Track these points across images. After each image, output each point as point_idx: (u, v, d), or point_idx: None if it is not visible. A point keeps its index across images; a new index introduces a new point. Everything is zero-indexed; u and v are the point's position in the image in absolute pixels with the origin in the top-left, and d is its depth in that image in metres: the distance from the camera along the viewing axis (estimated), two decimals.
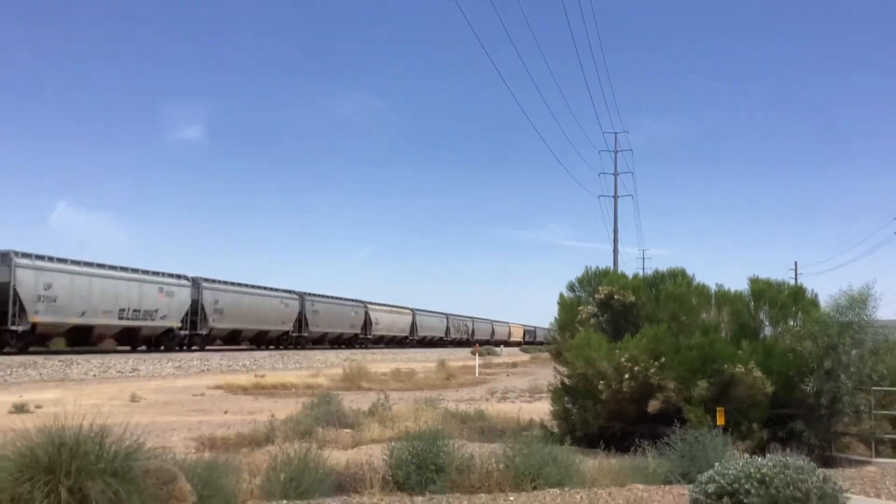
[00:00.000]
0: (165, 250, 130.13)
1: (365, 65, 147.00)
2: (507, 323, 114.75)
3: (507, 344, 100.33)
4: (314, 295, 57.39)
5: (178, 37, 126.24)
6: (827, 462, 10.15)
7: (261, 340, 51.89)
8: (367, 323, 65.55)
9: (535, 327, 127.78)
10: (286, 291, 54.22)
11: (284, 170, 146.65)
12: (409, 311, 76.27)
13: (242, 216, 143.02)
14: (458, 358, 48.80)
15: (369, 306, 66.05)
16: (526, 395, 22.89)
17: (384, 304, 69.98)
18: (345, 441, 11.30)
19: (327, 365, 37.85)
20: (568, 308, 13.42)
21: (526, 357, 63.10)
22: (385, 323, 69.81)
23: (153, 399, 19.37)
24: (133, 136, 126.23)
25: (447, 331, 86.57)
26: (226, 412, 16.71)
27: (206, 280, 44.77)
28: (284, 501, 6.57)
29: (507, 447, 7.97)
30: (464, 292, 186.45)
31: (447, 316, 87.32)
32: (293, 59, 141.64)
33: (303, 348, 53.11)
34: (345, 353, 49.87)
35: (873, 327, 11.11)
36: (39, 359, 27.15)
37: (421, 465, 7.53)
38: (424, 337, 79.90)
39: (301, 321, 55.48)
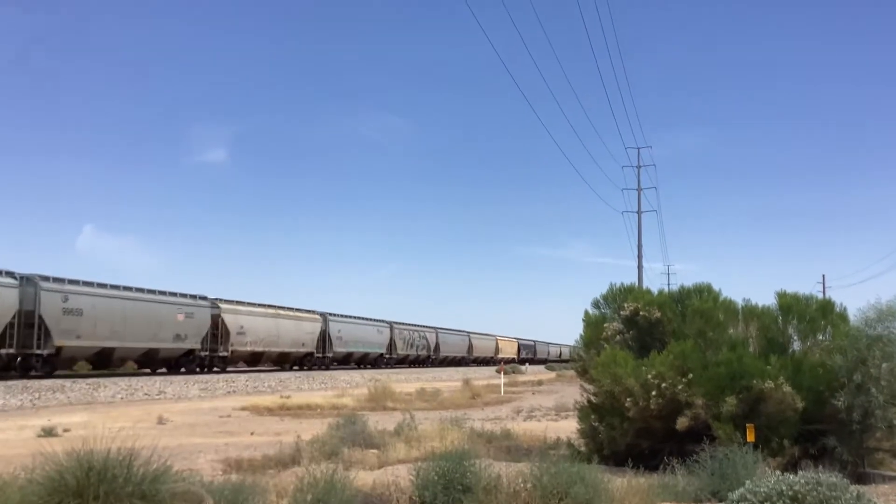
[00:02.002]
0: (189, 272, 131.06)
1: (386, 84, 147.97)
2: (494, 336, 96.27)
3: (492, 361, 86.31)
4: (77, 283, 34.11)
5: (202, 60, 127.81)
6: (860, 478, 9.99)
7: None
8: (219, 333, 42.66)
9: (534, 341, 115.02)
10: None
11: (307, 190, 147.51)
12: (318, 318, 53.49)
13: (266, 236, 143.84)
14: (481, 377, 48.65)
15: (224, 307, 43.62)
16: (552, 414, 22.75)
17: (257, 305, 47.57)
18: (371, 462, 11.27)
19: (352, 385, 37.87)
20: (593, 325, 13.33)
21: (552, 375, 62.87)
22: (260, 332, 45.98)
23: (180, 421, 19.44)
24: (158, 158, 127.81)
25: (391, 346, 65.10)
26: (252, 433, 16.73)
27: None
28: None
29: (535, 466, 7.91)
30: (484, 310, 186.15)
31: (390, 325, 65.36)
32: (315, 80, 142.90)
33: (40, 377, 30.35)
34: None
35: None
36: (67, 382, 27.39)
37: (448, 485, 7.49)
38: (350, 354, 58.25)
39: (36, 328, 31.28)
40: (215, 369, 42.08)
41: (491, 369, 68.08)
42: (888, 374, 10.53)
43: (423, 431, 14.13)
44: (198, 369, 41.01)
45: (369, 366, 61.39)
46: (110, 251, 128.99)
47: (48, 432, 15.17)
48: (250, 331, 44.91)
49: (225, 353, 42.98)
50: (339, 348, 55.28)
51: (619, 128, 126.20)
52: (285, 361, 50.78)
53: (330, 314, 54.86)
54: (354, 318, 58.97)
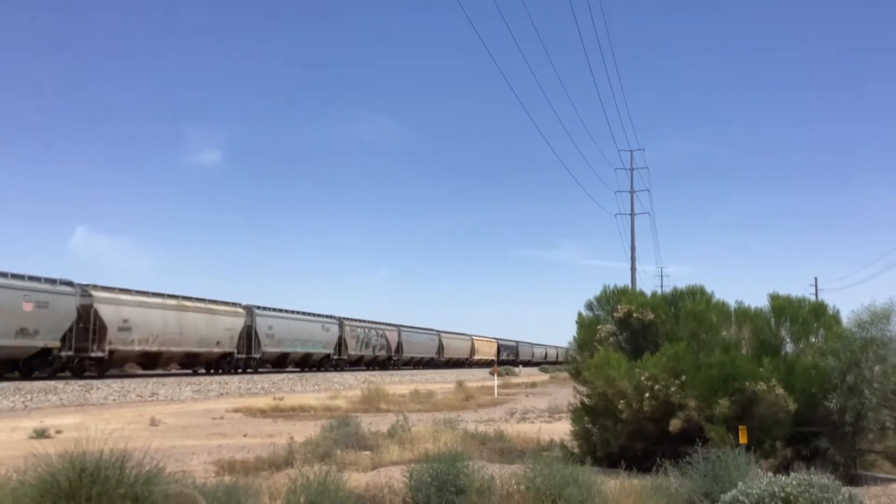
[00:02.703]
0: (184, 274, 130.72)
1: (380, 86, 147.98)
2: (469, 335, 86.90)
3: (467, 363, 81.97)
4: None
5: (196, 61, 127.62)
6: (852, 480, 10.01)
7: None
8: (92, 328, 33.11)
9: (516, 342, 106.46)
10: None
11: (301, 192, 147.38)
12: (241, 311, 44.25)
13: (260, 238, 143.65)
14: (475, 378, 48.63)
15: (99, 295, 33.90)
16: (545, 416, 22.77)
17: (151, 294, 37.75)
18: (364, 463, 11.26)
19: (346, 387, 37.85)
20: (587, 327, 13.34)
21: (545, 377, 62.96)
22: (154, 328, 36.65)
23: (172, 423, 19.40)
24: (152, 160, 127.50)
25: (339, 345, 55.59)
26: (245, 435, 16.70)
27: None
28: None
29: (528, 468, 7.92)
30: (477, 311, 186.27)
31: (340, 321, 55.85)
32: (308, 82, 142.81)
33: None
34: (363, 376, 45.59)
35: None
36: (60, 384, 27.29)
37: (441, 487, 7.49)
38: (286, 354, 48.79)
39: None
40: (88, 374, 33.41)
41: (470, 372, 66.33)
42: (881, 376, 10.56)
43: (417, 433, 14.13)
44: (69, 373, 32.88)
45: (314, 368, 52.10)
46: (104, 252, 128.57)
47: (40, 434, 15.12)
48: (139, 326, 35.39)
49: (100, 354, 33.33)
50: (270, 348, 46.38)
51: (613, 130, 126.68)
52: (195, 363, 42.30)
53: (257, 307, 45.81)
54: (292, 312, 50.04)
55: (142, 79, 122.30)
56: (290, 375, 43.39)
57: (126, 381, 30.54)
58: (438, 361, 75.68)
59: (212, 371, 42.51)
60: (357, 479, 9.01)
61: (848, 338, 10.84)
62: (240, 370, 44.16)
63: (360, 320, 59.61)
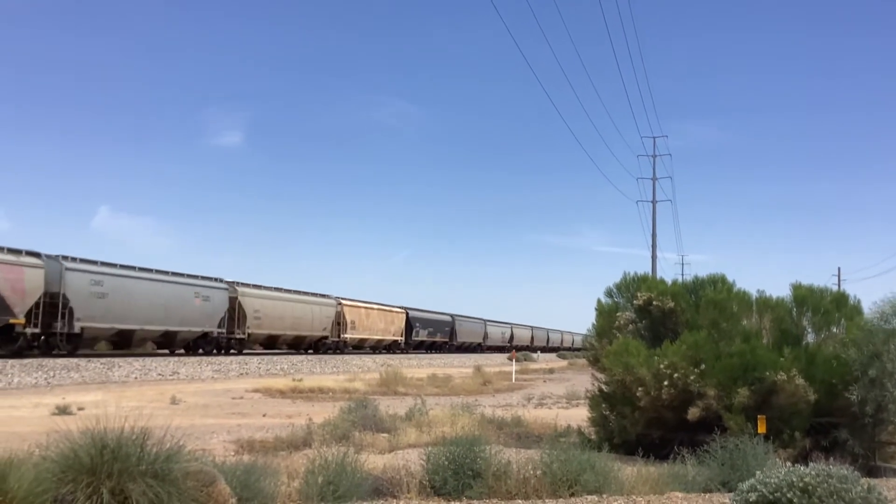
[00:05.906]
0: (205, 254, 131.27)
1: (400, 70, 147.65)
2: (334, 299, 51.39)
3: (323, 345, 49.65)
4: None
5: (219, 43, 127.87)
6: (871, 472, 9.94)
7: None
8: (61, 303, 29.18)
9: (452, 316, 74.53)
10: None
11: (322, 175, 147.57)
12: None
13: (281, 220, 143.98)
14: (491, 364, 48.65)
15: (69, 265, 30.21)
16: (563, 402, 22.77)
17: (118, 266, 33.30)
18: (381, 445, 11.32)
19: (364, 370, 38.03)
20: (606, 314, 13.31)
21: (563, 363, 63.04)
22: (126, 301, 32.57)
23: (193, 402, 19.57)
24: (173, 141, 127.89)
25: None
26: (264, 415, 16.83)
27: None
28: None
29: (545, 453, 7.92)
30: (495, 297, 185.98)
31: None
32: (330, 65, 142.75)
33: None
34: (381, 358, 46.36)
35: None
36: (82, 361, 27.58)
37: (458, 470, 7.51)
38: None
39: None
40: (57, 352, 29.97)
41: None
42: None
43: (434, 416, 14.18)
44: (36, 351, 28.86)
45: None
46: (126, 232, 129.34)
47: (62, 410, 15.31)
48: (115, 301, 31.82)
49: (72, 331, 30.09)
50: None
51: (635, 116, 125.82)
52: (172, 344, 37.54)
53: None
54: None
55: (165, 61, 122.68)
56: (310, 357, 43.60)
57: (147, 360, 30.82)
58: (224, 340, 40.68)
59: (191, 352, 38.45)
60: (374, 461, 9.05)
61: (871, 330, 10.74)
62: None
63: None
